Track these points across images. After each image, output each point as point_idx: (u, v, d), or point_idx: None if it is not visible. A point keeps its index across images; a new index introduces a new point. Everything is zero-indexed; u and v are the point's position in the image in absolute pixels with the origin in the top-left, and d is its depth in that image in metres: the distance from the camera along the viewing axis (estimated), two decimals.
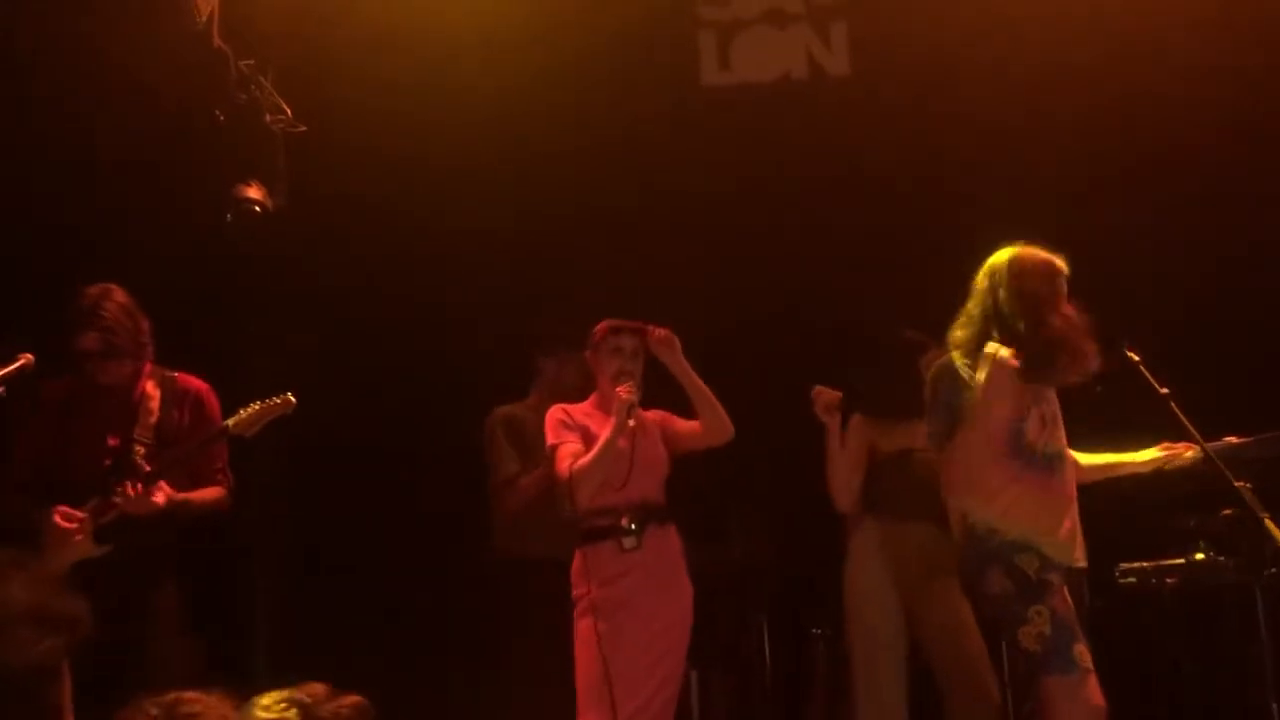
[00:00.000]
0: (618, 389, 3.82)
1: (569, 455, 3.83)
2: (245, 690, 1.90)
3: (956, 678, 4.11)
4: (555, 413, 3.97)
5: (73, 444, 3.76)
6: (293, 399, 3.69)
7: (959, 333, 3.62)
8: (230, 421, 3.68)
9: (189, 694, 1.61)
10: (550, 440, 3.92)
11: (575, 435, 3.88)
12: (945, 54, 5.27)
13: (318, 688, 1.84)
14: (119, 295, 3.76)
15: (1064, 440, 3.62)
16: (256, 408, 3.67)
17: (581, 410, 4.00)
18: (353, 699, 1.82)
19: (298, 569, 5.03)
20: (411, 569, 5.10)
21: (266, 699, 1.85)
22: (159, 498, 3.58)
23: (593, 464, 3.76)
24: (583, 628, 3.77)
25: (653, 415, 4.04)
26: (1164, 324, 4.45)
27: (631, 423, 3.81)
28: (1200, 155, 5.01)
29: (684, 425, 4.03)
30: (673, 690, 3.84)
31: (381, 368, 5.29)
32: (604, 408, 3.92)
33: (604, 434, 3.79)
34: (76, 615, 1.46)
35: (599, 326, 4.00)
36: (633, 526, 3.78)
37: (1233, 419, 3.96)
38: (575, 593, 3.82)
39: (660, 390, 4.03)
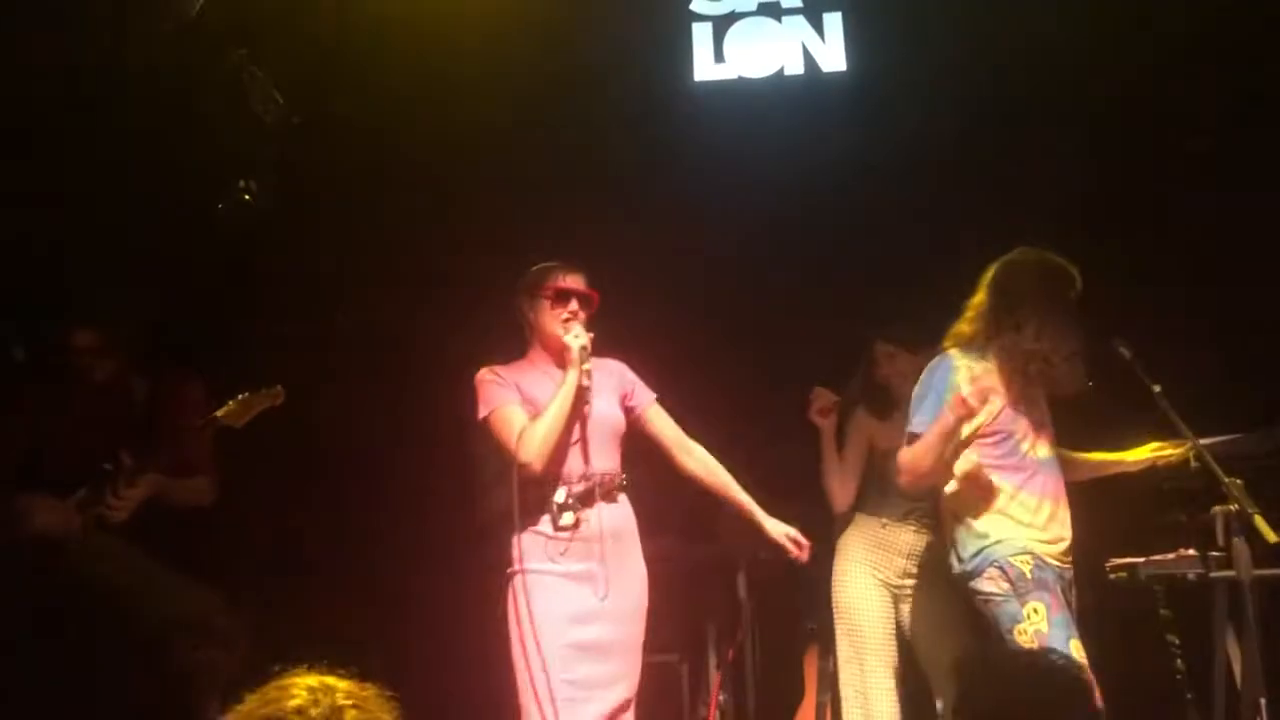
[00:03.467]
0: (566, 337, 3.45)
1: (512, 421, 3.43)
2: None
3: (947, 678, 4.11)
4: (484, 375, 3.54)
5: (58, 437, 3.75)
6: (281, 391, 3.69)
7: (964, 327, 3.62)
8: (219, 412, 3.69)
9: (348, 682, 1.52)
10: (483, 410, 3.48)
11: (515, 396, 3.48)
12: (942, 48, 5.26)
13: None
14: (119, 291, 3.77)
15: (1053, 444, 3.63)
16: (245, 398, 3.68)
17: (512, 369, 3.60)
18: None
19: (288, 566, 5.00)
20: (407, 568, 5.07)
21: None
22: (139, 490, 3.59)
23: (549, 425, 3.36)
24: (509, 607, 3.45)
25: (612, 363, 3.70)
26: (1155, 319, 4.46)
27: (585, 382, 3.44)
28: (1204, 148, 5.00)
29: (655, 416, 3.66)
30: (624, 688, 3.46)
31: (376, 362, 5.27)
32: (540, 367, 3.58)
33: (556, 394, 3.41)
34: (234, 632, 1.30)
35: (550, 278, 3.57)
36: (570, 500, 3.43)
37: (1224, 414, 3.97)
38: (511, 568, 3.47)
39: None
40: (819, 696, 4.69)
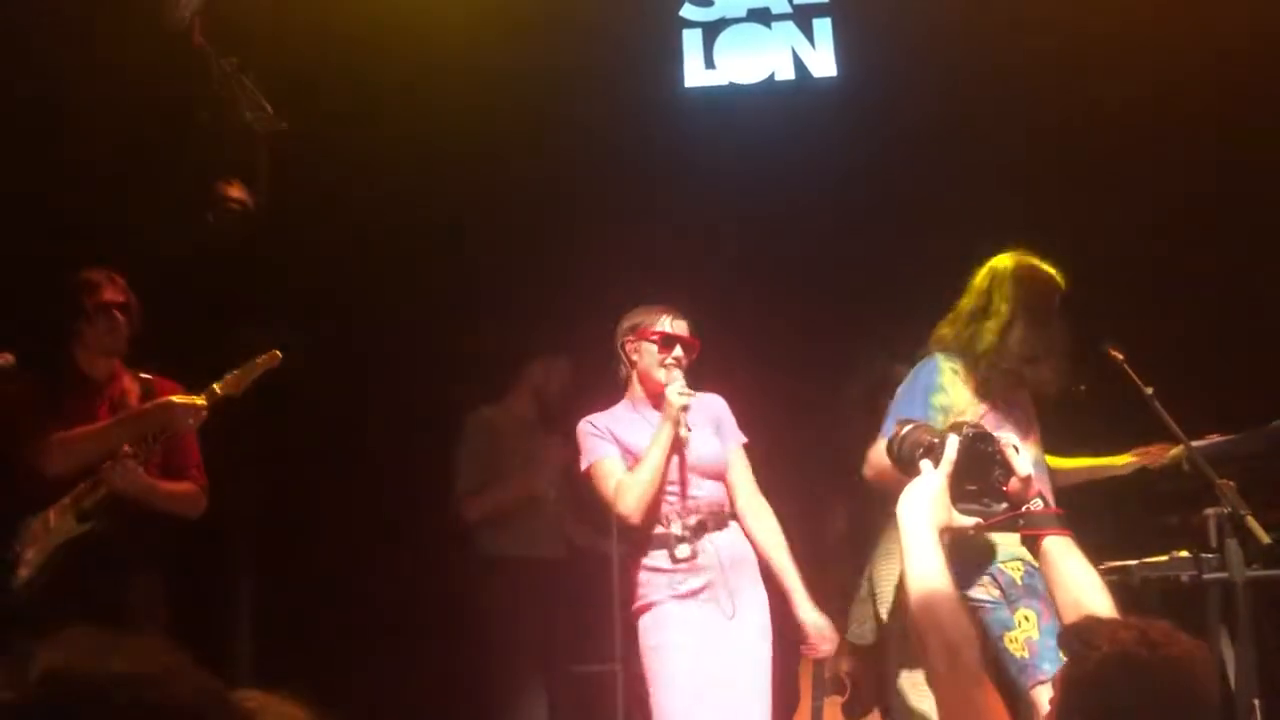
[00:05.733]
0: (666, 389, 3.52)
1: (609, 474, 3.54)
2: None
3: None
4: (583, 427, 3.64)
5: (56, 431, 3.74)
6: (278, 354, 3.70)
7: (945, 330, 3.62)
8: (216, 385, 3.70)
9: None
10: (584, 462, 3.60)
11: (612, 449, 3.57)
12: (932, 53, 5.26)
13: None
14: (117, 294, 3.79)
15: (1039, 447, 3.62)
16: (241, 369, 3.71)
17: (609, 416, 3.69)
18: None
19: (277, 570, 4.98)
20: (394, 568, 5.07)
21: None
22: (142, 476, 3.60)
23: (647, 477, 3.46)
24: (643, 641, 3.53)
25: (710, 398, 3.74)
26: (1148, 321, 4.46)
27: (684, 432, 3.51)
28: (1196, 151, 5.00)
29: (735, 461, 3.69)
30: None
31: (364, 367, 5.26)
32: (638, 410, 3.67)
33: (653, 445, 3.50)
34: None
35: (658, 321, 3.67)
36: (685, 533, 3.53)
37: (1217, 415, 3.97)
38: (638, 603, 3.56)
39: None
40: (814, 701, 4.69)
